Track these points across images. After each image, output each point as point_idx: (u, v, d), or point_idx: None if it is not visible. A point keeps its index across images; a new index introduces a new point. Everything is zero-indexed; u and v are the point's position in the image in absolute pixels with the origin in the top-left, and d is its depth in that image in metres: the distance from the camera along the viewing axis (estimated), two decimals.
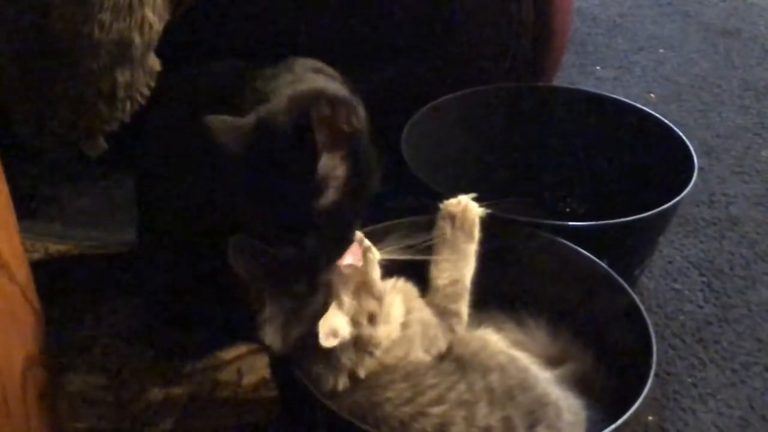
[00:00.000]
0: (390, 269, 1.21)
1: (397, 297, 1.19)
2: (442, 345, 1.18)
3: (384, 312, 1.13)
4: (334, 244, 1.13)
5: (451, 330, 1.21)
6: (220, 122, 1.10)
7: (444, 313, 1.22)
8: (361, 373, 1.12)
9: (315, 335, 1.07)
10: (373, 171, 1.17)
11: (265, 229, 1.14)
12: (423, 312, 1.21)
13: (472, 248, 1.28)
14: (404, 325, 1.17)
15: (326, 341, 1.06)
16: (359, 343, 1.11)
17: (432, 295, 1.25)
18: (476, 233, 1.29)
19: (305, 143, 1.05)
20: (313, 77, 1.24)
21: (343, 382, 1.11)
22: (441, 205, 1.31)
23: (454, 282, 1.25)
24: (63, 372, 1.45)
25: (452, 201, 1.31)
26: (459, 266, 1.27)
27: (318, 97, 1.13)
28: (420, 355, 1.16)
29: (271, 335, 1.10)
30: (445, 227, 1.29)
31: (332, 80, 1.25)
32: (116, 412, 1.42)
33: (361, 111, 1.16)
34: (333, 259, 1.12)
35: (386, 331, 1.14)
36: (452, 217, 1.29)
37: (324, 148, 1.06)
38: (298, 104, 1.12)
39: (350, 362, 1.10)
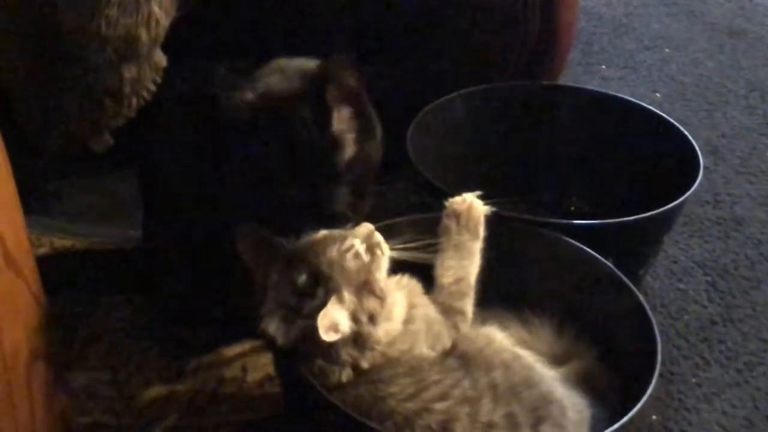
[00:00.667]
0: (395, 265, 1.20)
1: (400, 294, 1.19)
2: (446, 342, 1.18)
3: (386, 311, 1.13)
4: (355, 199, 1.17)
5: (456, 328, 1.21)
6: (228, 99, 1.15)
7: (448, 311, 1.22)
8: (364, 365, 1.12)
9: (316, 329, 1.07)
10: (377, 130, 1.22)
11: (279, 204, 1.17)
12: (427, 308, 1.21)
13: (477, 246, 1.28)
14: (408, 320, 1.17)
15: (326, 335, 1.06)
16: (359, 340, 1.11)
17: (437, 293, 1.25)
18: (481, 231, 1.29)
19: (319, 103, 1.12)
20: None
21: (346, 375, 1.11)
22: (446, 204, 1.31)
23: (459, 280, 1.25)
24: (67, 367, 1.45)
25: (457, 199, 1.31)
26: (464, 264, 1.26)
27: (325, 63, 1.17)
28: (424, 351, 1.16)
29: (273, 327, 1.11)
30: (450, 225, 1.29)
31: None
32: (120, 407, 1.42)
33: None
34: (355, 214, 1.17)
35: (386, 330, 1.13)
36: (457, 216, 1.29)
37: (336, 105, 1.13)
38: (304, 72, 1.17)
39: (350, 358, 1.11)
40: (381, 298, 1.12)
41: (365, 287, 1.11)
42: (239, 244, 1.16)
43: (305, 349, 1.10)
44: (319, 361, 1.10)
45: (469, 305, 1.24)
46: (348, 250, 1.12)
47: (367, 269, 1.13)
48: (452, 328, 1.21)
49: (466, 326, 1.23)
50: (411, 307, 1.18)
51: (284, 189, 1.17)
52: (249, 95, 1.18)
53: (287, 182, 1.17)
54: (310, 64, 1.24)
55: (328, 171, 1.16)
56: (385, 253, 1.16)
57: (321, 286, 1.10)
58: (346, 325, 1.09)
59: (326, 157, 1.16)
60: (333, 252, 1.12)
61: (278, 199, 1.18)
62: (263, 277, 1.15)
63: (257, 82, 1.22)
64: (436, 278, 1.26)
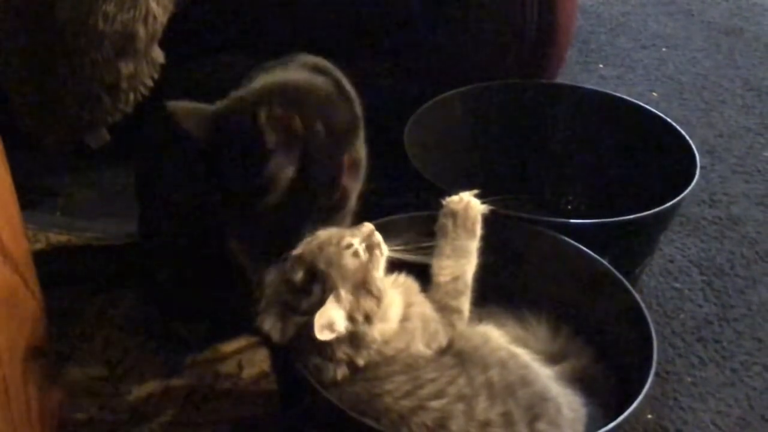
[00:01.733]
0: (392, 264, 1.21)
1: (397, 293, 1.19)
2: (442, 340, 1.18)
3: (382, 310, 1.13)
4: (276, 239, 1.16)
5: (452, 326, 1.21)
6: (182, 108, 1.15)
7: (445, 309, 1.22)
8: (360, 363, 1.12)
9: (312, 327, 1.07)
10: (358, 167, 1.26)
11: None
12: (424, 306, 1.21)
13: (473, 245, 1.28)
14: (404, 319, 1.17)
15: (321, 334, 1.06)
16: (354, 339, 1.11)
17: (433, 291, 1.25)
18: (478, 230, 1.29)
19: (257, 141, 1.10)
20: (298, 72, 1.26)
21: (342, 372, 1.11)
22: (443, 202, 1.31)
23: (456, 279, 1.25)
24: (63, 362, 1.45)
25: (454, 198, 1.31)
26: (460, 263, 1.27)
27: (276, 94, 1.16)
28: (421, 348, 1.16)
29: (269, 323, 1.11)
30: (447, 224, 1.29)
31: (324, 78, 1.27)
32: (116, 403, 1.42)
33: (349, 111, 1.22)
34: (273, 254, 1.15)
35: (382, 330, 1.13)
36: (454, 215, 1.29)
37: (276, 148, 1.11)
38: (252, 101, 1.16)
39: (346, 356, 1.11)
40: (378, 298, 1.12)
41: (362, 286, 1.11)
42: (233, 244, 1.16)
43: (301, 346, 1.10)
44: (315, 358, 1.10)
45: (465, 303, 1.24)
46: (347, 248, 1.12)
47: (365, 269, 1.13)
48: (448, 326, 1.21)
49: (462, 324, 1.23)
50: (407, 305, 1.18)
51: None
52: (206, 109, 1.19)
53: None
54: (301, 76, 1.24)
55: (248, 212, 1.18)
56: (384, 253, 1.16)
57: (318, 283, 1.10)
58: (342, 325, 1.09)
59: (250, 198, 1.17)
60: (331, 250, 1.12)
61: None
62: (259, 273, 1.15)
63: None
64: (432, 276, 1.26)
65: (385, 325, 1.14)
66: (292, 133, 1.14)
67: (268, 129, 1.10)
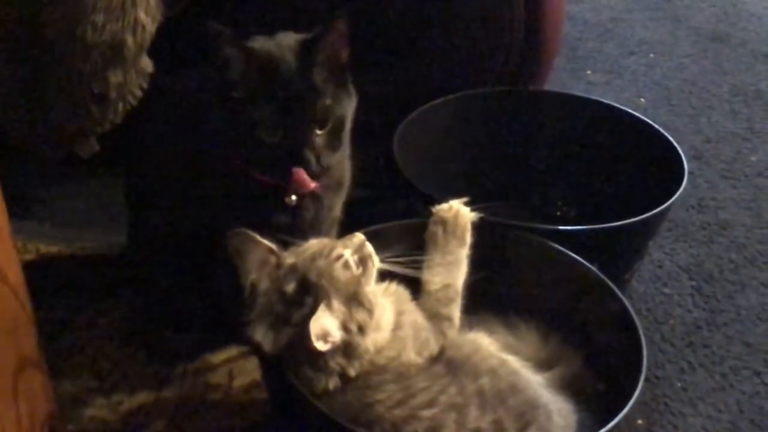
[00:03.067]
0: (383, 272, 1.21)
1: (388, 303, 1.19)
2: (433, 348, 1.18)
3: (374, 321, 1.14)
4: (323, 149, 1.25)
5: (443, 334, 1.22)
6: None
7: (436, 317, 1.23)
8: (352, 373, 1.12)
9: (304, 338, 1.07)
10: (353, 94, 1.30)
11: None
12: (415, 315, 1.21)
13: (463, 253, 1.29)
14: (396, 327, 1.17)
15: (317, 343, 1.06)
16: (347, 350, 1.11)
17: (424, 299, 1.25)
18: (468, 238, 1.30)
19: (305, 55, 1.23)
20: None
21: (333, 383, 1.11)
22: (433, 210, 1.32)
23: (446, 287, 1.25)
24: (54, 374, 1.44)
25: (444, 206, 1.32)
26: (451, 271, 1.27)
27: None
28: (412, 357, 1.16)
29: (260, 334, 1.11)
30: (436, 232, 1.29)
31: None
32: (107, 414, 1.42)
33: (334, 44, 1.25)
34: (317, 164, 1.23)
35: (374, 339, 1.14)
36: (444, 223, 1.30)
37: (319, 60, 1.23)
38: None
39: (338, 366, 1.11)
40: (369, 310, 1.12)
41: (354, 298, 1.12)
42: (228, 246, 1.16)
43: (292, 357, 1.10)
44: (307, 370, 1.10)
45: (456, 311, 1.25)
46: (338, 259, 1.12)
47: (357, 281, 1.13)
48: (439, 334, 1.21)
49: (453, 332, 1.23)
50: (399, 314, 1.19)
51: (263, 128, 1.21)
52: (257, 40, 1.26)
53: (267, 123, 1.21)
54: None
55: (305, 116, 1.21)
56: (376, 264, 1.16)
57: (310, 295, 1.10)
58: (337, 333, 1.09)
59: (305, 103, 1.21)
60: (322, 262, 1.12)
61: (255, 138, 1.21)
62: (252, 282, 1.15)
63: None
64: (423, 285, 1.26)
65: (378, 335, 1.14)
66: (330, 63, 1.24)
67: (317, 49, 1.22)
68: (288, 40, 1.26)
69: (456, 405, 1.08)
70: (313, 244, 1.16)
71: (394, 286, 1.23)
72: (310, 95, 1.21)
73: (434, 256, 1.28)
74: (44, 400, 1.27)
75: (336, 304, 1.10)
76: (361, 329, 1.11)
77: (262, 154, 1.23)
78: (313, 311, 1.07)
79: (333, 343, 1.08)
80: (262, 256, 1.15)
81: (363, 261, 1.15)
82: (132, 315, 1.58)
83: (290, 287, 1.11)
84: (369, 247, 1.17)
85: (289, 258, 1.14)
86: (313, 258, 1.13)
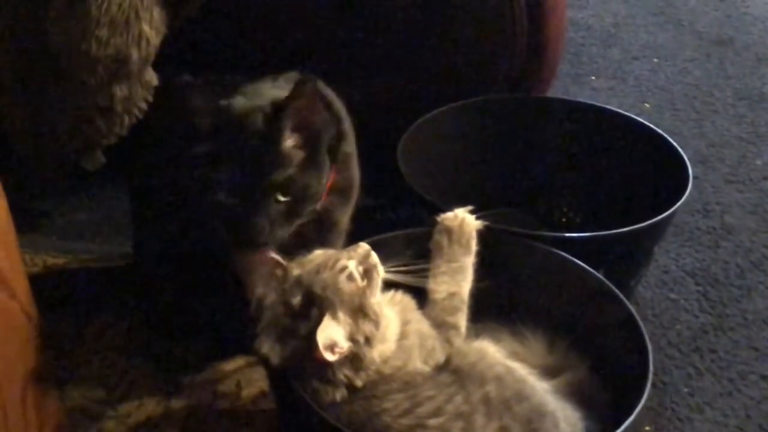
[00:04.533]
0: (388, 282, 1.21)
1: (393, 313, 1.19)
2: (440, 356, 1.19)
3: (380, 332, 1.14)
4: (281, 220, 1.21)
5: (449, 342, 1.22)
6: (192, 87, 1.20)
7: (442, 326, 1.23)
8: (358, 384, 1.12)
9: (311, 350, 1.07)
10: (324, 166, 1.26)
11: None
12: (421, 324, 1.21)
13: (469, 261, 1.29)
14: (402, 336, 1.18)
15: (325, 354, 1.07)
16: (354, 362, 1.11)
17: (430, 308, 1.25)
18: (473, 246, 1.30)
19: (275, 119, 1.18)
20: (285, 87, 1.28)
21: (340, 394, 1.11)
22: (438, 219, 1.32)
23: (452, 295, 1.26)
24: (62, 386, 1.45)
25: (449, 215, 1.32)
26: (456, 279, 1.27)
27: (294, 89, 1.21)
28: (418, 365, 1.16)
29: (267, 347, 1.11)
30: (441, 241, 1.30)
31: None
32: (116, 425, 1.42)
33: (336, 129, 1.24)
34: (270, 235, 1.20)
35: (381, 350, 1.14)
36: (449, 231, 1.30)
37: (289, 126, 1.19)
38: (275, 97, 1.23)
39: (345, 378, 1.11)
40: (375, 321, 1.13)
41: (360, 310, 1.12)
42: (237, 263, 1.17)
43: (299, 368, 1.11)
44: (314, 381, 1.10)
45: (462, 320, 1.25)
46: (342, 271, 1.13)
47: (362, 292, 1.13)
48: (445, 343, 1.22)
49: (459, 340, 1.24)
50: (404, 323, 1.19)
51: (221, 189, 1.19)
52: (237, 99, 1.23)
53: (224, 186, 1.19)
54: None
55: (265, 183, 1.18)
56: (381, 275, 1.17)
57: (315, 307, 1.10)
58: (344, 343, 1.09)
59: (266, 170, 1.18)
60: (327, 273, 1.12)
61: (211, 201, 1.20)
62: (259, 295, 1.15)
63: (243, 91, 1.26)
64: (428, 294, 1.27)
65: (384, 346, 1.14)
66: (309, 124, 1.21)
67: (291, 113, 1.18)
68: (265, 95, 1.24)
69: (462, 413, 1.09)
70: (318, 255, 1.17)
71: (399, 296, 1.23)
72: (274, 162, 1.19)
73: (439, 264, 1.28)
74: (53, 413, 1.28)
75: (342, 315, 1.10)
76: (368, 340, 1.11)
77: (218, 212, 1.21)
78: (318, 323, 1.07)
79: (340, 353, 1.09)
80: (268, 269, 1.16)
81: (368, 272, 1.15)
82: (139, 326, 1.59)
83: (296, 300, 1.11)
84: (374, 258, 1.17)
85: (294, 270, 1.15)
86: (318, 270, 1.13)
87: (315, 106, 1.21)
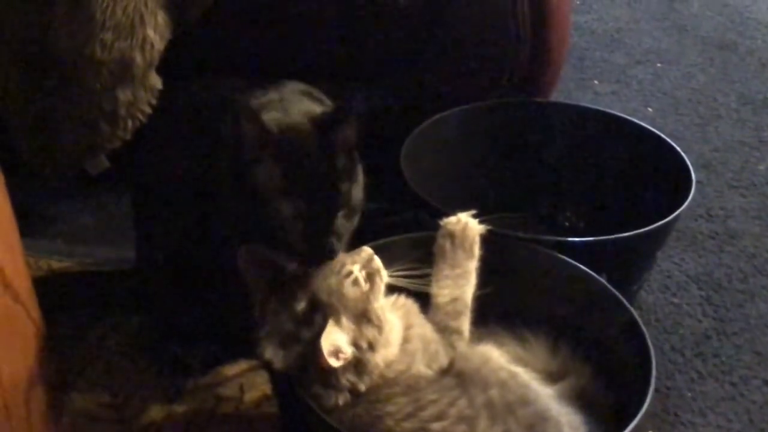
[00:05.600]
0: (392, 286, 1.21)
1: (396, 317, 1.20)
2: (443, 360, 1.19)
3: (384, 337, 1.14)
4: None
5: (453, 346, 1.22)
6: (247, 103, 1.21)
7: (445, 331, 1.23)
8: (362, 389, 1.12)
9: (315, 356, 1.08)
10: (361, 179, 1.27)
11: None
12: (424, 328, 1.22)
13: (472, 265, 1.29)
14: (405, 340, 1.18)
15: (330, 359, 1.07)
16: (358, 366, 1.12)
17: (433, 312, 1.25)
18: (476, 251, 1.30)
19: (329, 139, 1.20)
20: (301, 99, 1.31)
21: (343, 398, 1.12)
22: (441, 223, 1.32)
23: (455, 300, 1.26)
24: (66, 389, 1.45)
25: (452, 219, 1.32)
26: (459, 284, 1.27)
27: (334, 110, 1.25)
28: (421, 369, 1.16)
29: (270, 352, 1.11)
30: (444, 245, 1.30)
31: (319, 103, 1.31)
32: (119, 429, 1.42)
33: (350, 130, 1.22)
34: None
35: (384, 355, 1.14)
36: (452, 236, 1.30)
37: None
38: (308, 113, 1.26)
39: (348, 383, 1.11)
40: (379, 327, 1.13)
41: (363, 315, 1.12)
42: (241, 262, 1.17)
43: (303, 373, 1.11)
44: (317, 386, 1.10)
45: (465, 324, 1.25)
46: (347, 276, 1.13)
47: (366, 298, 1.13)
48: (449, 347, 1.22)
49: (462, 344, 1.24)
50: (407, 327, 1.19)
51: (287, 222, 1.19)
52: (272, 113, 1.24)
53: (290, 216, 1.19)
54: (312, 106, 1.29)
55: (330, 205, 1.20)
56: (384, 279, 1.17)
57: (319, 313, 1.11)
58: (348, 349, 1.09)
59: (329, 192, 1.20)
60: (332, 279, 1.13)
61: (276, 230, 1.20)
62: (263, 299, 1.15)
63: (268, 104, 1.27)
64: (432, 298, 1.27)
65: (387, 351, 1.14)
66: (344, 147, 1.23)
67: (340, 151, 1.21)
68: (301, 114, 1.25)
69: (466, 417, 1.09)
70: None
71: (402, 300, 1.23)
72: (335, 184, 1.20)
73: (442, 268, 1.28)
74: (56, 416, 1.28)
75: (345, 321, 1.10)
76: (371, 346, 1.12)
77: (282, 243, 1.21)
78: (322, 329, 1.08)
79: (345, 359, 1.09)
80: (273, 272, 1.16)
81: (371, 276, 1.15)
82: (143, 330, 1.59)
83: (300, 306, 1.12)
84: (377, 262, 1.17)
85: (298, 275, 1.15)
86: (323, 275, 1.13)
87: (355, 128, 1.23)
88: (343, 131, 1.21)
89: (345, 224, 1.22)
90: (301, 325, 1.11)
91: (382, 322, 1.14)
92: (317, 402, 1.10)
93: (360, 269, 1.15)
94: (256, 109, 1.23)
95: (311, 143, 1.20)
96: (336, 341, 1.08)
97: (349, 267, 1.14)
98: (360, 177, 1.26)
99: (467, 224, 1.31)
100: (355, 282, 1.13)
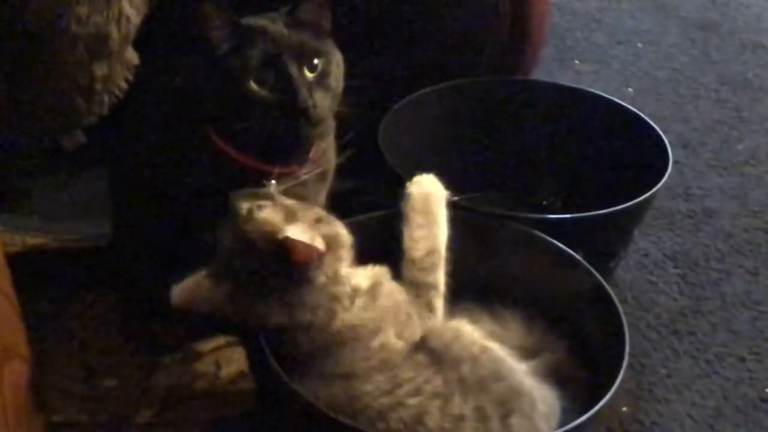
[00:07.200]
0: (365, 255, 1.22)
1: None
2: (416, 332, 1.18)
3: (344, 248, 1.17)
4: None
5: (430, 306, 1.22)
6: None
7: (421, 287, 1.23)
8: (343, 296, 1.15)
9: (288, 262, 1.10)
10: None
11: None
12: (394, 290, 1.21)
13: (444, 213, 1.29)
14: (372, 292, 1.18)
15: (306, 251, 1.09)
16: (331, 247, 1.14)
17: (407, 268, 1.25)
18: (444, 207, 1.31)
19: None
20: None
21: (318, 332, 1.14)
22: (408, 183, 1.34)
23: (431, 252, 1.25)
24: (41, 365, 1.45)
25: (418, 177, 1.35)
26: (433, 234, 1.27)
27: None
28: (392, 339, 1.16)
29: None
30: (414, 193, 1.31)
31: None
32: (94, 405, 1.42)
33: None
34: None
35: (350, 273, 1.16)
36: (420, 184, 1.32)
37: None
38: None
39: (327, 296, 1.14)
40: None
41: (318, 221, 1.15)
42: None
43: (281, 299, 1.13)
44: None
45: (441, 278, 1.25)
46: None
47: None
48: (424, 308, 1.21)
49: (440, 302, 1.24)
50: (376, 284, 1.19)
51: (252, 76, 1.22)
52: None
53: (255, 70, 1.23)
54: None
55: (293, 59, 1.24)
56: (346, 243, 1.18)
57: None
58: (313, 237, 1.11)
59: (292, 49, 1.24)
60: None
61: (244, 92, 1.23)
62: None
63: None
64: (405, 252, 1.26)
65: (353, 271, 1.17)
66: None
67: None
68: (273, 14, 1.29)
69: (440, 394, 1.10)
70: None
71: (377, 268, 1.23)
72: (298, 43, 1.24)
73: (414, 219, 1.28)
74: (30, 392, 1.27)
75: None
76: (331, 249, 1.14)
77: (254, 114, 1.23)
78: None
79: (319, 253, 1.11)
80: None
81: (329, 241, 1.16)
82: (118, 306, 1.58)
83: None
84: (332, 227, 1.19)
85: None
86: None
87: (324, 9, 1.29)
88: (306, 11, 1.27)
89: (315, 82, 1.25)
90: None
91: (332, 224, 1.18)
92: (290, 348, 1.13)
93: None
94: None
95: (277, 21, 1.26)
96: (301, 234, 1.09)
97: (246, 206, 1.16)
98: (333, 50, 1.31)
99: (432, 180, 1.33)
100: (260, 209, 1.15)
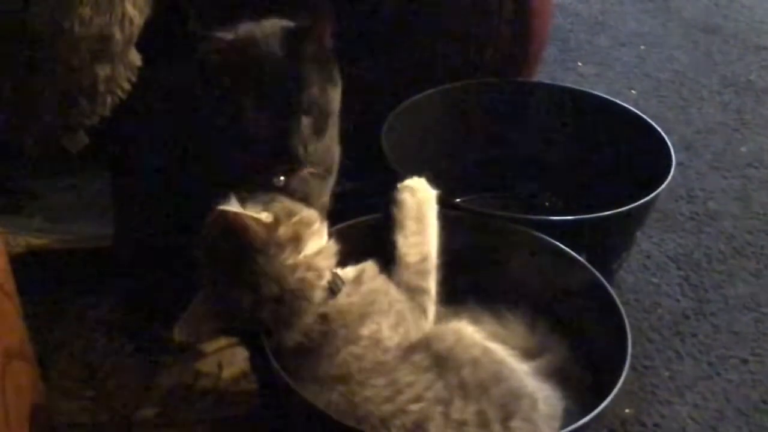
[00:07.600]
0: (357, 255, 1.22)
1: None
2: (411, 328, 1.19)
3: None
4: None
5: (423, 310, 1.22)
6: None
7: (414, 291, 1.23)
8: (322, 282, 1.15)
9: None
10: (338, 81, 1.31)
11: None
12: (381, 279, 1.22)
13: (434, 215, 1.30)
14: (356, 280, 1.19)
15: (256, 216, 1.11)
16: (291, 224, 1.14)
17: (401, 271, 1.25)
18: (434, 210, 1.31)
19: (291, 42, 1.23)
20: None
21: (305, 328, 1.14)
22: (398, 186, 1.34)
23: (424, 258, 1.26)
24: (43, 366, 1.45)
25: (408, 180, 1.35)
26: (426, 240, 1.28)
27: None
28: (386, 332, 1.16)
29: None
30: (407, 198, 1.31)
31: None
32: (96, 405, 1.42)
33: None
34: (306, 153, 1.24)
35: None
36: (412, 190, 1.32)
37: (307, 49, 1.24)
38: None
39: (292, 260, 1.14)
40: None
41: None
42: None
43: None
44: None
45: (432, 284, 1.26)
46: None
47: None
48: (418, 311, 1.21)
49: (432, 305, 1.24)
50: (361, 270, 1.20)
51: (247, 118, 1.21)
52: (227, 35, 1.25)
53: (254, 114, 1.21)
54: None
55: (294, 104, 1.21)
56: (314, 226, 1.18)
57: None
58: (258, 211, 1.12)
59: (293, 92, 1.21)
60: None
61: (244, 133, 1.22)
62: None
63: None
64: (400, 257, 1.27)
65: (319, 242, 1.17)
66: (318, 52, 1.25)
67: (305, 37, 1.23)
68: (273, 28, 1.26)
69: (442, 399, 1.10)
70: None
71: (367, 264, 1.23)
72: (297, 85, 1.22)
73: (407, 224, 1.29)
74: (32, 393, 1.27)
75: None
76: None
77: (248, 146, 1.23)
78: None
79: (266, 225, 1.12)
80: None
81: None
82: (121, 307, 1.58)
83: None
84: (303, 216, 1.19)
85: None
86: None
87: (328, 29, 1.25)
88: (311, 38, 1.23)
89: (309, 128, 1.23)
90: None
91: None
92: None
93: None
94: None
95: (276, 49, 1.22)
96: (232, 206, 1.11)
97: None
98: (333, 84, 1.28)
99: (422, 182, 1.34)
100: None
